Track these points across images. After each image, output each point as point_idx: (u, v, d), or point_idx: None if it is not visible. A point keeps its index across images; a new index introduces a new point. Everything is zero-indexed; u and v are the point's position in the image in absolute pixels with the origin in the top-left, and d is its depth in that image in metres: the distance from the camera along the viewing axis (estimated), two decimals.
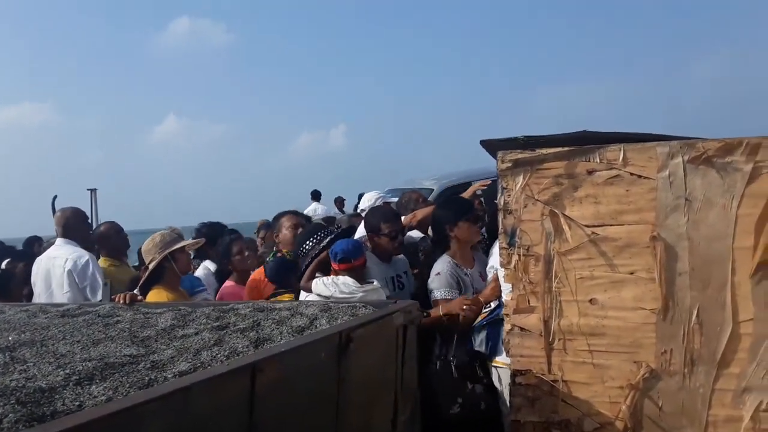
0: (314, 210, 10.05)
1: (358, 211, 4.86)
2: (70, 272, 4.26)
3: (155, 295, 3.60)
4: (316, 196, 10.66)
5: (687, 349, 2.70)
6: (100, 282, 4.24)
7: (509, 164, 2.93)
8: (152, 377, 1.60)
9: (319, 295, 3.58)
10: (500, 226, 2.98)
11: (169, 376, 1.62)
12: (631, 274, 2.77)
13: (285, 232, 4.51)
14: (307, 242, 3.92)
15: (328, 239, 3.85)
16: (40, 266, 4.48)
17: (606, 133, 2.90)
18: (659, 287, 2.72)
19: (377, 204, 4.84)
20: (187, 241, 3.99)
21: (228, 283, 4.66)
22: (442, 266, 3.79)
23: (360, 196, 9.31)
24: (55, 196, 6.54)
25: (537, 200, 2.89)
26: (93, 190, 10.70)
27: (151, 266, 3.69)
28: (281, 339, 2.05)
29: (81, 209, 4.84)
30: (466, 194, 4.30)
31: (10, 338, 2.08)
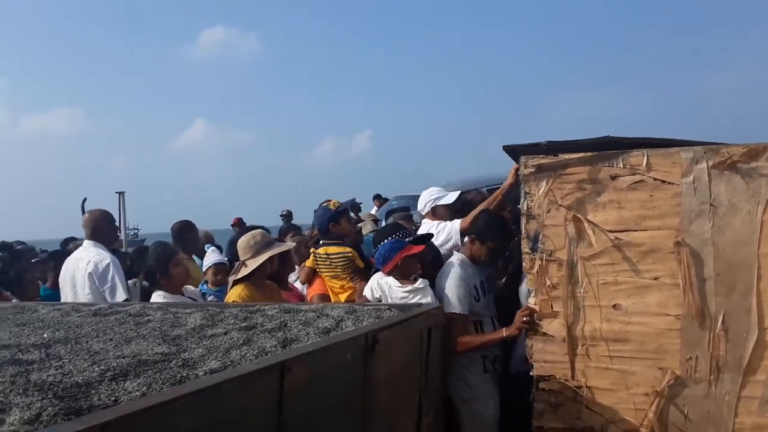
0: (376, 211, 10.04)
1: (419, 209, 4.74)
2: (90, 275, 4.33)
3: (239, 293, 3.66)
4: (378, 198, 10.66)
5: (712, 355, 2.69)
6: (119, 284, 4.31)
7: (532, 169, 2.95)
8: (184, 374, 1.64)
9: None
10: (523, 231, 2.99)
11: (200, 373, 1.66)
12: (655, 279, 2.77)
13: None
14: (386, 241, 3.91)
15: (407, 240, 3.82)
16: (67, 268, 4.57)
17: (629, 138, 2.90)
18: (684, 293, 2.71)
19: (439, 199, 4.58)
20: (286, 245, 4.15)
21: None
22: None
23: (376, 198, 9.27)
24: (85, 199, 6.67)
25: (560, 205, 2.90)
26: (121, 193, 10.89)
27: (253, 266, 3.74)
28: (308, 339, 2.08)
29: (108, 211, 4.90)
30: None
31: (45, 336, 2.14)
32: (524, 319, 3.03)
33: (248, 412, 1.50)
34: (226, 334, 2.14)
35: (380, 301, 3.55)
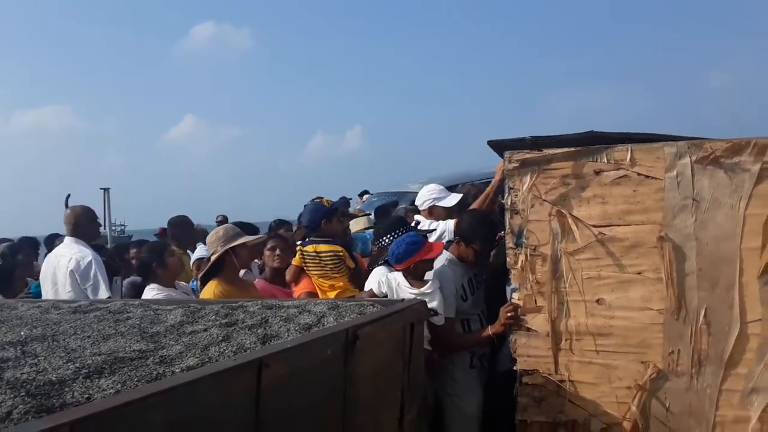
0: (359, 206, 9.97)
1: (417, 205, 4.71)
2: (72, 272, 4.28)
3: (213, 290, 3.67)
4: (364, 194, 10.59)
5: (695, 349, 2.70)
6: (102, 282, 4.27)
7: (516, 164, 2.94)
8: (160, 371, 1.62)
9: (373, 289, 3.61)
10: (507, 226, 2.99)
11: (177, 370, 1.64)
12: (639, 274, 2.78)
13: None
14: (387, 236, 3.88)
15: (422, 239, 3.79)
16: (48, 264, 4.52)
17: (613, 133, 2.91)
18: (667, 287, 2.72)
19: (439, 200, 4.55)
20: (250, 237, 4.05)
21: (258, 281, 4.66)
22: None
23: (362, 194, 9.26)
24: (69, 195, 6.62)
25: (544, 200, 2.90)
26: (106, 189, 10.83)
27: (212, 258, 3.76)
28: (288, 336, 2.06)
29: (90, 208, 4.83)
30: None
31: (22, 333, 2.10)
32: (508, 315, 3.02)
33: (224, 409, 1.48)
34: (205, 330, 2.12)
35: (386, 296, 3.53)
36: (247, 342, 1.96)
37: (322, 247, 4.28)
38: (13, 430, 1.17)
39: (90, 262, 4.31)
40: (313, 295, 4.26)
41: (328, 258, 4.25)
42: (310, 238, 4.40)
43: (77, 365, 1.65)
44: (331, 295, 4.18)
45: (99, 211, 5.11)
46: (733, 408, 2.67)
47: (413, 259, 3.47)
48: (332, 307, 2.50)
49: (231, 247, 3.76)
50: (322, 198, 4.70)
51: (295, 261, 4.41)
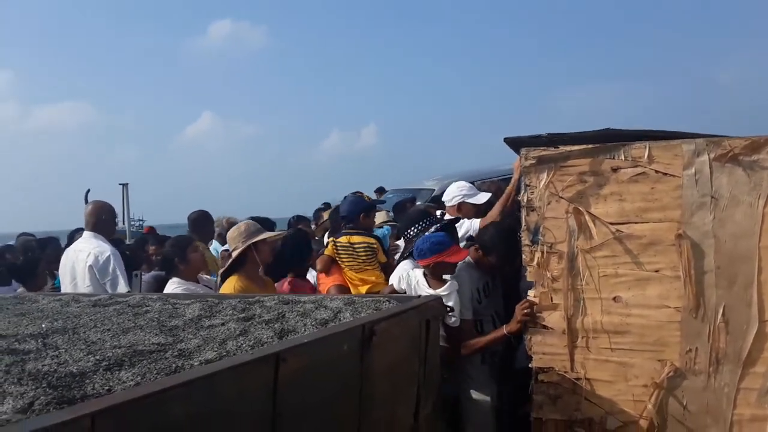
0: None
1: (445, 200, 4.74)
2: (90, 267, 4.33)
3: (233, 285, 3.70)
4: (381, 191, 10.62)
5: (712, 347, 2.68)
6: (120, 277, 4.32)
7: (533, 161, 2.93)
8: (179, 364, 1.64)
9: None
10: (523, 223, 2.98)
11: (196, 363, 1.66)
12: (656, 271, 2.76)
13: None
14: (412, 228, 3.89)
15: (434, 228, 3.81)
16: (67, 259, 4.58)
17: (630, 130, 2.89)
18: (684, 285, 2.71)
19: (469, 197, 4.55)
20: (271, 233, 4.07)
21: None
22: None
23: (379, 191, 9.27)
24: (88, 190, 6.69)
25: (561, 197, 2.89)
26: (125, 185, 10.93)
27: (234, 254, 3.79)
28: (305, 331, 2.08)
29: (109, 203, 4.89)
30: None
31: (43, 326, 2.14)
32: (524, 312, 3.01)
33: (242, 403, 1.50)
34: (223, 324, 2.15)
35: (405, 292, 3.54)
36: (264, 336, 1.98)
37: (356, 239, 4.30)
38: (35, 421, 1.19)
39: (108, 257, 4.35)
40: (343, 288, 4.25)
41: (362, 249, 4.26)
42: (344, 230, 4.42)
43: (98, 357, 1.67)
44: (363, 289, 4.18)
45: (118, 206, 5.19)
46: (750, 407, 2.65)
47: (436, 258, 3.47)
48: (348, 302, 2.51)
49: (252, 243, 3.78)
50: (362, 193, 4.74)
51: (328, 251, 4.39)
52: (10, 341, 1.89)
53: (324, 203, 8.74)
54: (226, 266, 3.84)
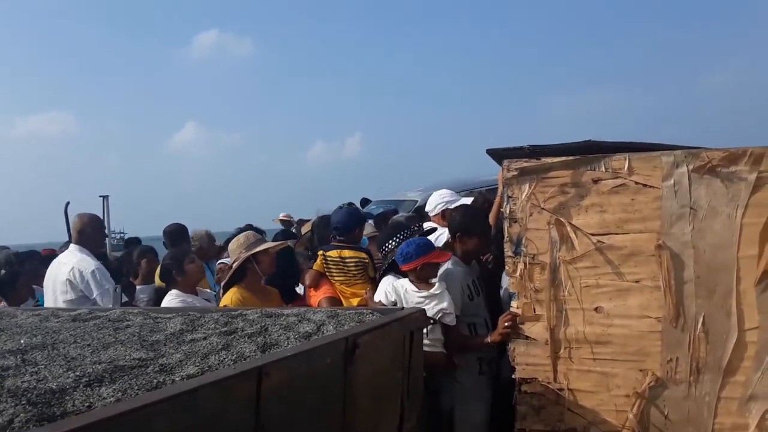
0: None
1: (428, 210, 4.73)
2: (68, 281, 4.29)
3: (231, 297, 3.66)
4: (365, 203, 10.59)
5: (693, 357, 2.71)
6: (102, 292, 4.26)
7: (515, 173, 2.96)
8: (161, 380, 1.63)
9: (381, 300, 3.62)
10: (506, 235, 3.00)
11: (177, 379, 1.65)
12: (637, 282, 2.79)
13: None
14: (390, 241, 3.87)
15: (433, 245, 3.74)
16: (51, 271, 4.53)
17: (611, 142, 2.92)
18: (665, 295, 2.74)
19: (451, 203, 4.54)
20: (271, 243, 4.03)
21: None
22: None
23: (362, 202, 9.30)
24: (68, 203, 6.58)
25: (543, 209, 2.91)
26: (105, 197, 10.82)
27: (234, 266, 3.76)
28: (288, 344, 2.07)
29: (97, 216, 4.86)
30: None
31: (22, 341, 2.11)
32: (506, 324, 3.02)
33: (225, 418, 1.49)
34: (205, 339, 2.13)
35: (395, 305, 3.52)
36: (247, 350, 1.97)
37: (347, 253, 4.23)
38: None
39: (92, 272, 4.31)
40: (334, 299, 4.19)
41: (353, 264, 4.20)
42: (334, 243, 4.35)
43: (77, 374, 1.65)
44: (354, 302, 4.12)
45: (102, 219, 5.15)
46: (731, 416, 2.68)
47: (422, 260, 3.48)
48: (332, 315, 2.51)
49: (252, 255, 3.76)
50: (352, 203, 4.67)
51: (317, 266, 4.32)
52: None
53: (298, 219, 8.71)
54: (227, 278, 3.80)
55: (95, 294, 4.27)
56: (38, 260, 6.30)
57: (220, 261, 5.14)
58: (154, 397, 1.35)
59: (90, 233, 4.61)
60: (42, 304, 5.02)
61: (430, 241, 3.65)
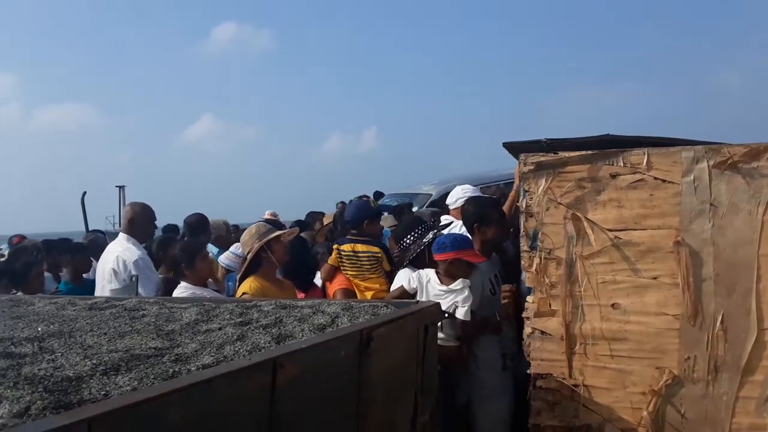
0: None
1: (449, 203, 4.76)
2: (114, 270, 4.35)
3: (249, 284, 3.67)
4: (378, 196, 10.61)
5: (711, 355, 2.68)
6: (142, 282, 4.29)
7: (531, 167, 2.93)
8: (176, 369, 1.63)
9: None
10: (522, 229, 2.98)
11: (193, 368, 1.65)
12: (655, 279, 2.76)
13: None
14: (408, 237, 3.89)
15: (431, 234, 3.81)
16: (101, 260, 4.62)
17: (629, 137, 2.89)
18: (683, 293, 2.70)
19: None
20: (283, 231, 4.03)
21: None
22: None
23: (376, 195, 9.27)
24: (85, 193, 6.65)
25: (559, 203, 2.89)
26: (121, 187, 10.90)
27: (248, 257, 3.77)
28: (302, 336, 2.07)
29: (148, 206, 4.84)
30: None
31: (39, 329, 2.12)
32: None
33: (240, 408, 1.49)
34: (220, 329, 2.13)
35: (416, 292, 3.53)
36: (262, 341, 1.96)
37: (361, 247, 4.26)
38: (31, 426, 1.17)
39: (135, 261, 4.36)
40: (349, 291, 4.22)
41: (366, 258, 4.22)
42: (348, 237, 4.38)
43: (94, 362, 1.66)
44: (368, 295, 4.16)
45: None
46: (749, 415, 2.64)
47: (456, 254, 3.49)
48: (346, 308, 2.50)
49: (266, 243, 3.76)
50: (368, 197, 4.68)
51: (331, 260, 4.36)
52: (6, 344, 1.88)
53: (340, 202, 8.71)
54: (243, 268, 3.81)
55: (130, 283, 4.31)
56: (63, 249, 6.36)
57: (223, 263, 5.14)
58: (171, 387, 1.35)
59: (140, 222, 4.66)
60: (63, 291, 5.08)
61: (468, 239, 3.65)
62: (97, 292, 4.47)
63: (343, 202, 8.66)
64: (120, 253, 4.42)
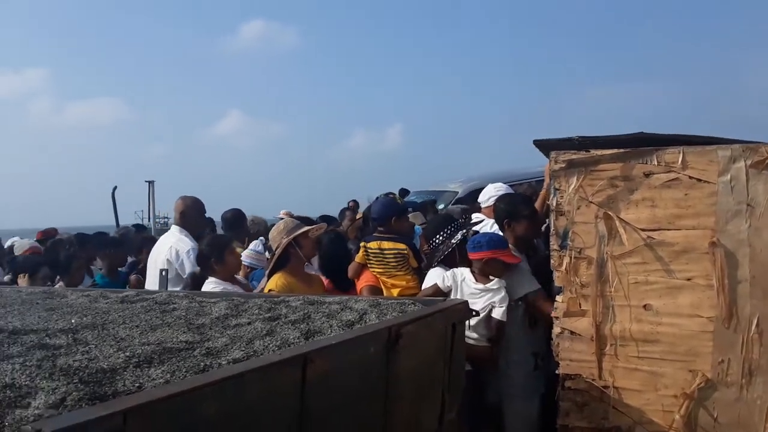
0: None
1: (481, 201, 4.75)
2: (168, 260, 4.46)
3: (276, 281, 3.69)
4: (403, 193, 10.61)
5: (745, 359, 2.62)
6: (190, 272, 4.34)
7: (563, 165, 2.89)
8: (207, 363, 1.64)
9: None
10: (552, 228, 2.94)
11: (224, 362, 1.66)
12: (688, 280, 2.71)
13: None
14: (438, 235, 3.87)
15: (459, 234, 3.79)
16: (154, 250, 4.74)
17: (664, 135, 2.83)
18: (718, 295, 2.65)
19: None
20: (311, 227, 4.04)
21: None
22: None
23: (401, 192, 9.30)
24: (115, 187, 6.75)
25: (591, 202, 2.85)
26: (151, 182, 11.04)
27: (277, 252, 3.80)
28: (331, 332, 2.07)
29: (199, 200, 4.94)
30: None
31: (72, 321, 2.16)
32: None
33: (270, 403, 1.49)
34: (249, 324, 2.14)
35: (450, 290, 3.52)
36: (291, 337, 1.97)
37: (387, 245, 4.24)
38: (68, 417, 1.19)
39: (188, 252, 4.43)
40: (376, 288, 4.21)
41: (392, 256, 4.21)
42: (375, 234, 4.38)
43: (127, 354, 1.68)
44: (394, 292, 4.14)
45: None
46: None
47: (492, 254, 3.46)
48: (374, 304, 2.50)
49: (294, 239, 3.77)
50: (394, 194, 4.66)
51: (358, 258, 4.37)
52: (41, 336, 1.91)
53: (352, 200, 8.70)
54: (271, 264, 3.83)
55: (188, 273, 4.37)
56: (98, 242, 6.48)
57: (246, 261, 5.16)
58: (204, 380, 1.36)
59: (191, 215, 4.78)
60: (99, 285, 5.17)
61: (504, 240, 3.61)
62: (149, 284, 4.58)
63: (355, 201, 8.65)
64: (174, 244, 4.54)
